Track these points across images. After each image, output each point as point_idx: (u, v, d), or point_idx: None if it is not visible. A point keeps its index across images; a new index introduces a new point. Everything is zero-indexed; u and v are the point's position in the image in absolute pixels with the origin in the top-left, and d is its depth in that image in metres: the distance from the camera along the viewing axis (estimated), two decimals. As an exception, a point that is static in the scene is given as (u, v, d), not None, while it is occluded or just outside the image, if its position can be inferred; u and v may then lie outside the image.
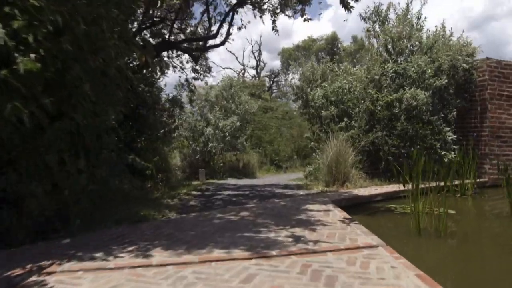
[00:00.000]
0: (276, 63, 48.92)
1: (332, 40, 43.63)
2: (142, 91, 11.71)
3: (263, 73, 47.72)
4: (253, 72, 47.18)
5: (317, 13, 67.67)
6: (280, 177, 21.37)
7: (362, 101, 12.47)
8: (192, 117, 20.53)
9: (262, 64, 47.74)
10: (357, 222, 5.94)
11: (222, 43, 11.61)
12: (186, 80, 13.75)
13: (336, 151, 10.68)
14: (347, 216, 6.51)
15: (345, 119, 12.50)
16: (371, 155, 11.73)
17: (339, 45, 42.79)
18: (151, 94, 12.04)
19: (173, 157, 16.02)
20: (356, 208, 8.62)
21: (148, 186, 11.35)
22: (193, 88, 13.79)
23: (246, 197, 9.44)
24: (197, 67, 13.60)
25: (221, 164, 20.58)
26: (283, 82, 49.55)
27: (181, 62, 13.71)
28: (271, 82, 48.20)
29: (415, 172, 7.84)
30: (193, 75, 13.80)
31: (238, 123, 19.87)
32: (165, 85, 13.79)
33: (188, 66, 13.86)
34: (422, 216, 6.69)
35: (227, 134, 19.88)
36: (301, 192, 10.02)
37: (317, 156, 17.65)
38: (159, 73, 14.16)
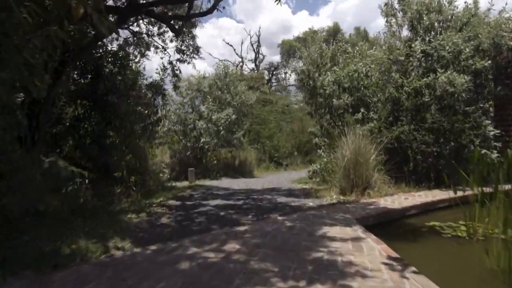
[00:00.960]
0: (275, 59, 46.22)
1: (335, 32, 41.00)
2: (110, 74, 9.27)
3: (262, 66, 45.23)
4: (251, 65, 44.68)
5: (316, 9, 65.01)
6: (280, 176, 18.93)
7: (383, 88, 10.04)
8: (182, 109, 18.07)
9: (261, 56, 45.24)
10: (414, 269, 3.56)
11: (210, 11, 9.15)
12: (170, 62, 11.32)
13: (355, 150, 8.27)
14: (392, 253, 4.10)
15: (362, 110, 10.07)
16: (396, 153, 9.29)
17: (341, 36, 40.22)
18: (124, 78, 9.60)
19: (156, 155, 13.59)
20: (387, 228, 6.24)
21: (117, 191, 8.95)
22: (178, 72, 11.36)
23: (238, 211, 7.02)
24: (183, 47, 11.15)
25: (215, 161, 18.15)
26: (283, 76, 47.08)
27: (163, 41, 11.29)
28: (270, 75, 45.68)
29: (476, 177, 5.48)
30: (177, 56, 11.37)
31: (233, 116, 17.44)
32: (144, 68, 11.12)
33: (172, 46, 11.43)
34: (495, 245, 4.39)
35: (221, 128, 17.45)
36: (310, 203, 7.61)
37: (323, 153, 15.42)
38: (138, 56, 11.73)
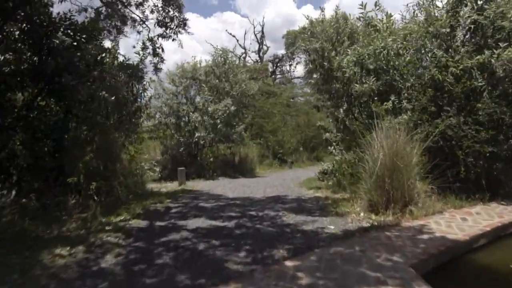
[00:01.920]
0: (280, 53, 43.50)
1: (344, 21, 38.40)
2: (63, 48, 6.88)
3: (266, 58, 42.61)
4: (255, 57, 42.07)
5: (321, 2, 62.03)
6: (285, 175, 16.58)
7: (421, 69, 7.67)
8: (175, 100, 15.70)
9: (265, 48, 42.58)
10: None
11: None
12: (150, 39, 8.94)
13: (391, 150, 5.89)
14: None
15: (392, 97, 7.66)
16: (440, 154, 6.89)
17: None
18: (84, 54, 7.23)
19: (135, 155, 11.26)
20: (456, 275, 3.93)
21: (71, 203, 6.64)
22: (159, 50, 8.99)
23: (227, 241, 4.63)
24: (166, 19, 8.74)
25: (211, 159, 15.80)
26: (288, 68, 44.49)
27: (142, 12, 8.91)
28: (274, 67, 43.10)
29: None
30: (159, 30, 8.98)
31: (232, 108, 15.05)
32: (114, 46, 8.71)
33: (153, 17, 9.04)
34: None
35: (218, 121, 15.07)
36: (331, 226, 5.26)
37: (334, 151, 13.32)
38: (113, 32, 9.33)
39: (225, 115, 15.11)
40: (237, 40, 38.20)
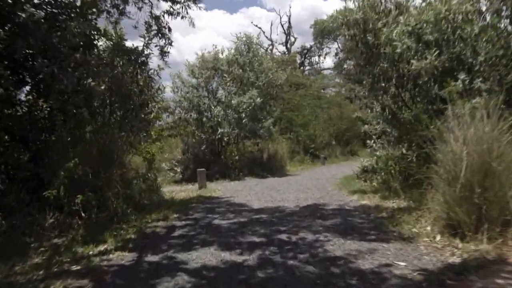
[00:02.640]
0: (308, 44, 41.28)
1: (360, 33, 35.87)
2: (35, 25, 5.32)
3: (293, 50, 40.57)
4: (282, 49, 40.07)
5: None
6: (319, 173, 14.78)
7: (501, 38, 5.73)
8: (195, 93, 14.10)
9: (292, 39, 40.55)
10: None
11: None
12: (155, 17, 7.31)
13: (481, 147, 4.03)
14: None
15: (462, 76, 5.72)
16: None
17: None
18: (66, 34, 5.65)
19: (149, 155, 9.73)
20: None
21: (49, 222, 5.10)
22: (165, 30, 7.33)
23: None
24: (172, -8, 7.10)
25: (236, 157, 14.16)
26: (317, 59, 42.33)
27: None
28: (302, 58, 41.03)
29: None
30: (165, 5, 7.29)
31: (258, 100, 13.33)
32: (117, 29, 7.12)
33: (158, -10, 7.40)
34: None
35: (243, 115, 13.37)
36: (402, 263, 3.47)
37: (375, 145, 11.57)
38: (114, 13, 7.75)
39: (250, 108, 13.41)
40: (263, 32, 36.16)
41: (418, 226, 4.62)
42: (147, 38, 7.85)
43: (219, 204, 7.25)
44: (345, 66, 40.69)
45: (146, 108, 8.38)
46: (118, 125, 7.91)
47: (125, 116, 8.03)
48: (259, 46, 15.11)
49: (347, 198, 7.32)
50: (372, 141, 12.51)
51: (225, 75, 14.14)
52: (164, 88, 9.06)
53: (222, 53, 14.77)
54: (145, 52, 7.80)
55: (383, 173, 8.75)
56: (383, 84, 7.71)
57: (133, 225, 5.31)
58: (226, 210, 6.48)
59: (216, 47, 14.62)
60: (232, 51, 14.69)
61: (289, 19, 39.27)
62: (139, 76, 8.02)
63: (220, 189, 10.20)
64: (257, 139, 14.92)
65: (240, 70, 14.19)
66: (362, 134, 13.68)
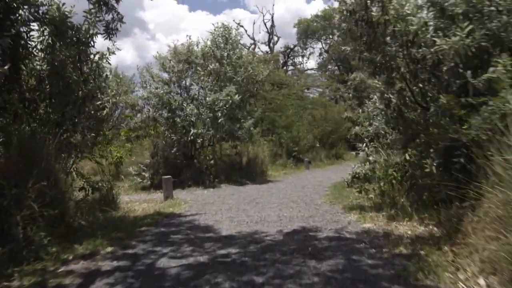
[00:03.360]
0: (291, 44, 39.77)
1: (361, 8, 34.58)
2: None
3: (276, 49, 38.97)
4: (265, 48, 38.44)
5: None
6: (304, 179, 13.17)
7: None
8: (165, 88, 12.32)
9: (275, 38, 38.99)
10: None
11: None
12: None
13: None
14: None
15: (502, 60, 4.14)
16: None
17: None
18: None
19: (104, 156, 7.97)
20: None
21: None
22: (112, 0, 5.57)
23: None
24: None
25: (211, 161, 12.42)
26: (300, 59, 40.84)
27: None
28: (285, 58, 39.48)
29: None
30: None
31: (237, 97, 11.65)
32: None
33: None
34: None
35: (219, 114, 11.66)
36: None
37: (367, 149, 10.15)
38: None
39: (227, 106, 11.69)
40: (246, 31, 34.54)
41: (463, 277, 3.00)
42: (92, 15, 6.10)
43: (178, 226, 5.50)
44: (329, 66, 39.42)
45: (92, 102, 6.58)
46: (54, 123, 6.16)
47: (64, 112, 6.26)
48: (238, 38, 13.34)
49: (344, 218, 5.67)
50: (364, 144, 11.02)
51: (199, 68, 12.39)
52: (111, 73, 7.22)
53: (197, 45, 13.02)
54: (90, 32, 6.07)
55: (382, 183, 7.20)
56: (390, 74, 6.11)
57: (39, 268, 3.55)
58: (184, 238, 4.73)
59: (190, 38, 12.87)
60: (208, 42, 12.94)
61: (272, 17, 37.95)
62: (83, 63, 6.27)
63: (188, 200, 8.50)
64: (236, 141, 13.23)
65: (217, 64, 12.48)
66: (352, 136, 12.17)
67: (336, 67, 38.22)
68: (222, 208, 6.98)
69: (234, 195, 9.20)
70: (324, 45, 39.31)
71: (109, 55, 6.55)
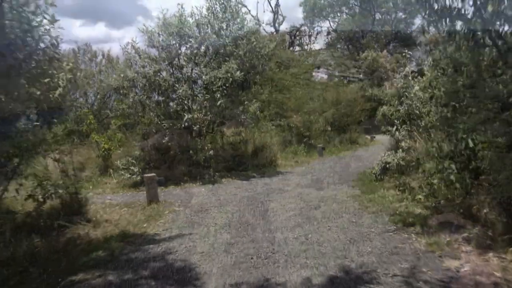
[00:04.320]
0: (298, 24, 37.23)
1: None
2: None
3: (282, 29, 36.47)
4: (270, 29, 35.90)
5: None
6: (320, 170, 11.04)
7: None
8: (154, 67, 10.17)
9: (280, 18, 36.46)
10: None
11: None
12: None
13: None
14: None
15: None
16: None
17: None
18: None
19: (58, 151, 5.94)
20: None
21: None
22: None
23: None
24: None
25: (211, 151, 10.29)
26: (307, 39, 38.31)
27: None
28: (292, 38, 36.97)
29: None
30: None
31: (239, 73, 9.53)
32: None
33: None
34: None
35: (218, 95, 9.53)
36: None
37: (398, 133, 8.79)
38: None
39: (227, 85, 9.56)
40: (249, 11, 31.99)
41: None
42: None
43: (138, 268, 3.41)
44: (338, 46, 36.96)
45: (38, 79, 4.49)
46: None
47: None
48: (239, 6, 11.10)
49: (404, 245, 3.58)
50: (395, 127, 9.09)
51: (190, 39, 10.20)
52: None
53: (191, 16, 10.80)
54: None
55: (436, 180, 5.17)
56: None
57: None
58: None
59: (182, 7, 10.65)
60: (204, 11, 10.73)
61: (277, -6, 35.17)
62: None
63: (177, 205, 6.49)
64: (239, 127, 11.12)
65: (214, 36, 10.29)
66: (379, 118, 10.05)
67: (345, 47, 35.79)
68: (217, 223, 4.92)
69: (237, 196, 7.17)
70: (332, 24, 36.80)
71: (50, 5, 4.42)
